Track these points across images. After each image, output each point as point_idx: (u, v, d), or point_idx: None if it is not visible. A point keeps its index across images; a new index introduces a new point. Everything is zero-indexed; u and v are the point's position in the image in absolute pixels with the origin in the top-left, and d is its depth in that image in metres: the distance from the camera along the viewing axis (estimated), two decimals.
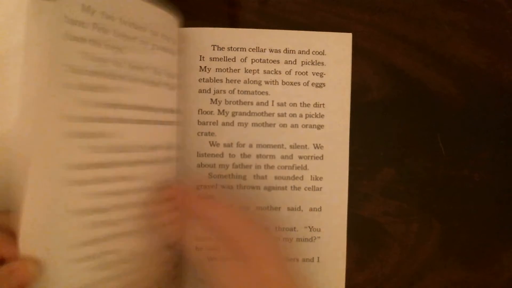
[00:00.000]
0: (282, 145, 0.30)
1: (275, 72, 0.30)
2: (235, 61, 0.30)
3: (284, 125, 0.30)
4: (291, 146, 0.30)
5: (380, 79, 0.32)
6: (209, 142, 0.30)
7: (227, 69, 0.30)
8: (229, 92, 0.30)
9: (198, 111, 0.30)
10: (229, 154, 0.30)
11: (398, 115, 0.32)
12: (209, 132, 0.30)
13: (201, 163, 0.30)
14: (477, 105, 0.33)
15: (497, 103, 0.33)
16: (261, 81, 0.30)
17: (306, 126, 0.30)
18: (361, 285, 0.32)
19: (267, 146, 0.30)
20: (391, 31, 0.32)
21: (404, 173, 0.32)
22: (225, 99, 0.30)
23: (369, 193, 0.32)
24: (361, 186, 0.32)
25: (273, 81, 0.30)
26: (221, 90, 0.30)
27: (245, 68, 0.30)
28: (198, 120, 0.30)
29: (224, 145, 0.30)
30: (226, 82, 0.30)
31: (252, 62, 0.30)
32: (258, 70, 0.30)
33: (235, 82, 0.30)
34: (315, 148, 0.31)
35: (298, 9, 0.31)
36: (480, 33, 0.32)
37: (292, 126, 0.30)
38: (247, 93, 0.30)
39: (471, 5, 0.32)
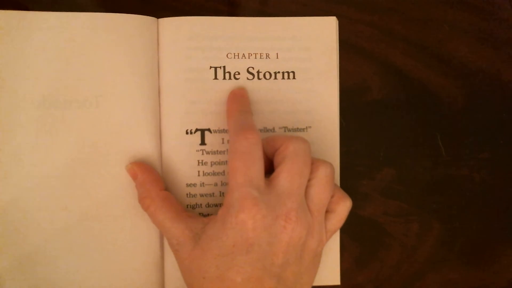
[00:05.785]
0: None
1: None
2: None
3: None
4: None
5: (380, 79, 0.32)
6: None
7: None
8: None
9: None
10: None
11: (398, 115, 0.32)
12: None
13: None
14: (477, 105, 0.33)
15: (497, 103, 0.33)
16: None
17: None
18: (361, 285, 0.32)
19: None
20: (391, 31, 0.32)
21: (404, 173, 0.32)
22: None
23: (369, 193, 0.32)
24: (361, 186, 0.32)
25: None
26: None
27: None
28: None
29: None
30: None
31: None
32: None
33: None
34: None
35: (298, 9, 0.31)
36: (480, 33, 0.33)
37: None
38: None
39: (471, 5, 0.32)
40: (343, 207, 0.27)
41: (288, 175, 0.24)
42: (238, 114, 0.27)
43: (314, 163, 0.26)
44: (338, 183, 0.31)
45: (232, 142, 0.25)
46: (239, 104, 0.29)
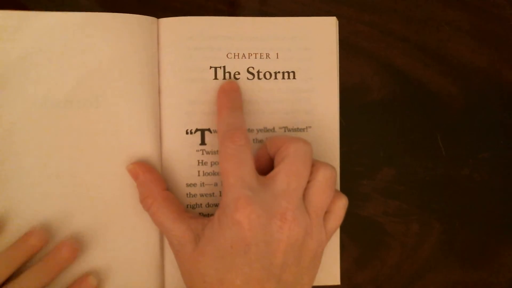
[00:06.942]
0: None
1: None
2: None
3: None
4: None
5: (380, 79, 0.32)
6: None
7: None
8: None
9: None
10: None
11: (398, 115, 0.32)
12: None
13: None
14: (477, 105, 0.33)
15: (497, 103, 0.33)
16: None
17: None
18: (361, 285, 0.32)
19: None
20: (391, 31, 0.32)
21: (404, 173, 0.32)
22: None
23: (369, 193, 0.32)
24: (361, 186, 0.32)
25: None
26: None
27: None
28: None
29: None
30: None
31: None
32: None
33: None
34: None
35: (298, 9, 0.31)
36: (480, 33, 0.33)
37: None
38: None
39: (471, 5, 0.32)
40: (339, 204, 0.26)
41: (285, 176, 0.24)
42: (227, 113, 0.27)
43: (315, 165, 0.25)
44: (338, 183, 0.31)
45: (220, 145, 0.25)
46: (229, 99, 0.28)
